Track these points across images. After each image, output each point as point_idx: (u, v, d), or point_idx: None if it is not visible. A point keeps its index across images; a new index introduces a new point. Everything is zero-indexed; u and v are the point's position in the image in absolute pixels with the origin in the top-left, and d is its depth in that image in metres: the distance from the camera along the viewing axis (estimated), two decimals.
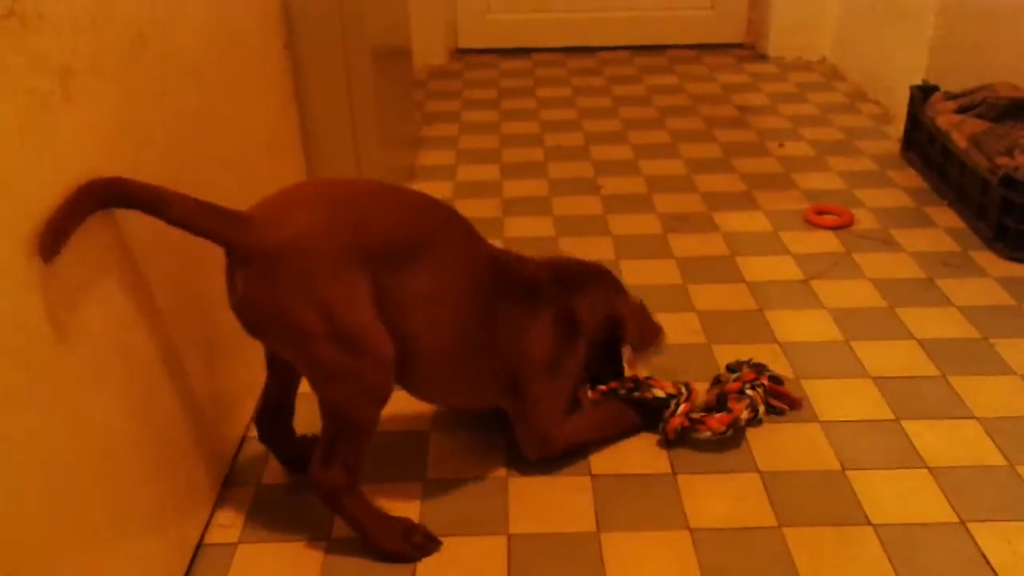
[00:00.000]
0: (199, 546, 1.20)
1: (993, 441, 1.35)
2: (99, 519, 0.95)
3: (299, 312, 1.03)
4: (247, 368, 1.44)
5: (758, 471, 1.31)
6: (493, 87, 2.98)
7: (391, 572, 1.16)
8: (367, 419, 1.13)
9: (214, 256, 1.10)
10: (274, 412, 1.28)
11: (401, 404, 1.46)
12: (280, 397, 1.28)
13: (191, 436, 1.19)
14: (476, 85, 3.01)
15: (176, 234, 1.01)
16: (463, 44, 3.33)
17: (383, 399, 1.13)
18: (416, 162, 2.40)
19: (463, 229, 1.22)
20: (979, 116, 2.16)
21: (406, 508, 1.26)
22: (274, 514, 1.26)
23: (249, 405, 1.43)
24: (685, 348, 1.58)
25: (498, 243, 1.97)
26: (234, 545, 1.21)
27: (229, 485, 1.30)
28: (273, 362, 1.25)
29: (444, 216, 1.20)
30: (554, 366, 1.29)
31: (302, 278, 1.02)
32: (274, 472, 1.33)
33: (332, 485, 1.13)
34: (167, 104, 1.14)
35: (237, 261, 1.05)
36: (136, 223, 1.02)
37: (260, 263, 1.03)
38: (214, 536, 1.22)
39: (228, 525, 1.24)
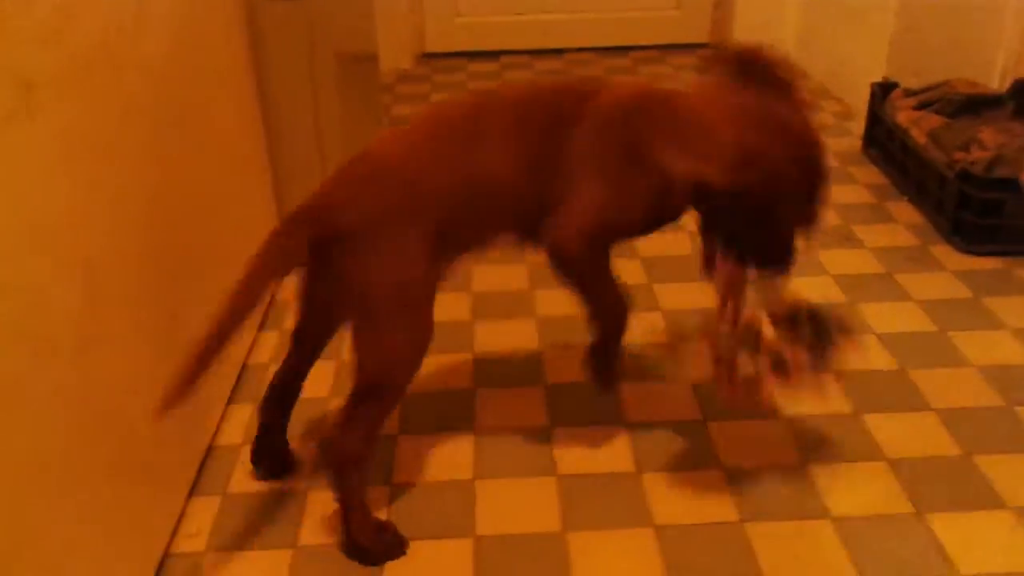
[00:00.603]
0: (165, 556, 1.20)
1: (950, 432, 1.38)
2: (63, 528, 0.95)
3: (367, 286, 1.11)
4: (213, 378, 1.44)
5: (721, 467, 1.33)
6: (460, 90, 2.99)
7: None
8: (398, 387, 1.19)
9: (180, 267, 1.10)
10: (283, 391, 1.30)
11: None
12: (295, 376, 1.30)
13: (156, 445, 1.19)
14: (443, 88, 3.02)
15: (139, 244, 1.01)
16: (430, 48, 3.34)
17: (415, 369, 1.19)
18: None
19: (512, 112, 1.20)
20: (937, 112, 2.20)
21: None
22: (241, 523, 1.26)
23: (215, 414, 1.43)
24: (651, 348, 1.60)
25: None
26: (201, 554, 1.21)
27: (195, 494, 1.31)
28: (301, 340, 1.28)
29: (488, 120, 1.19)
30: (608, 178, 1.18)
31: (368, 257, 1.10)
32: (241, 481, 1.33)
33: (347, 453, 1.15)
34: (131, 116, 1.14)
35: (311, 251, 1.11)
36: (94, 233, 1.02)
37: (332, 250, 1.10)
38: (180, 546, 1.22)
39: (195, 534, 1.24)
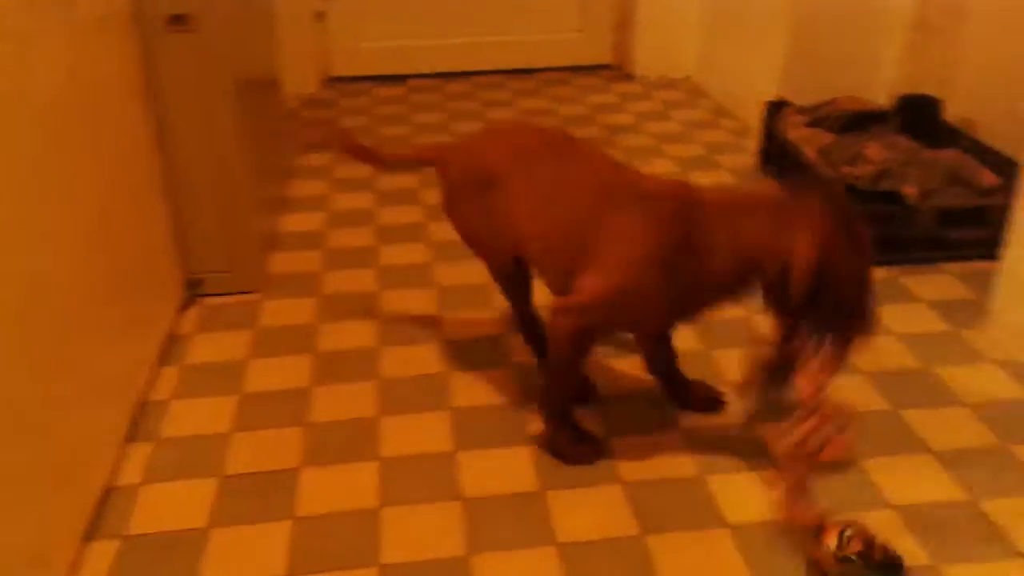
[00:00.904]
0: None
1: None
2: None
3: (452, 218, 1.57)
4: (107, 417, 1.42)
5: (622, 482, 1.36)
6: (367, 114, 2.99)
7: None
8: (497, 279, 1.58)
9: (73, 302, 1.08)
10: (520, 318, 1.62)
11: (266, 440, 1.46)
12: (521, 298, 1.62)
13: (45, 489, 1.16)
14: (350, 113, 3.01)
15: (31, 279, 0.98)
16: (337, 72, 3.33)
17: (502, 278, 1.56)
18: (290, 192, 2.39)
19: (570, 154, 1.42)
20: (827, 129, 2.28)
21: (274, 548, 1.25)
22: (140, 565, 1.24)
23: (109, 453, 1.40)
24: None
25: (370, 272, 1.98)
26: None
27: (93, 538, 1.27)
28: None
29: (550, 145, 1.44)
30: (615, 269, 1.28)
31: (450, 198, 1.56)
32: (142, 522, 1.31)
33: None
34: (19, 154, 1.12)
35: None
36: None
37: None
38: None
39: None
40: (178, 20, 1.64)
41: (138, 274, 1.62)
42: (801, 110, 2.40)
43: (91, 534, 1.28)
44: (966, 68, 2.33)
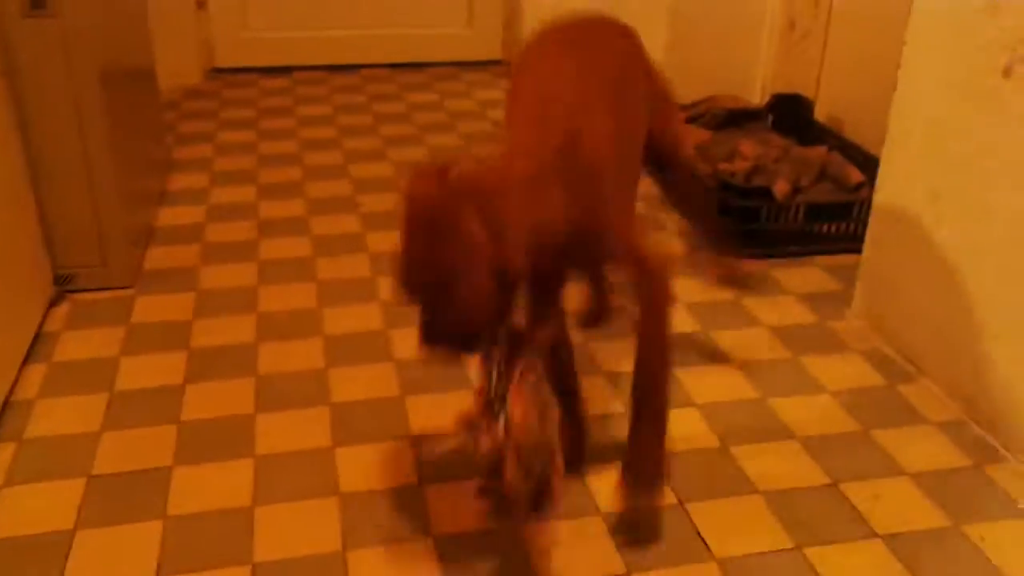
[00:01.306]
0: None
1: (709, 426, 1.48)
2: None
3: None
4: None
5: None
6: (251, 107, 2.93)
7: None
8: None
9: None
10: None
11: (136, 439, 1.42)
12: None
13: None
14: (233, 105, 2.95)
15: None
16: (220, 63, 3.25)
17: None
18: (167, 185, 2.32)
19: None
20: (704, 126, 2.36)
21: (144, 549, 1.22)
22: (1, 572, 1.19)
23: None
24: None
25: (251, 266, 1.95)
26: None
27: None
28: None
29: None
30: None
31: None
32: (2, 526, 1.26)
33: None
34: None
35: None
36: None
37: None
38: None
39: None
40: (37, 4, 1.57)
41: (2, 269, 1.54)
42: (680, 107, 2.47)
43: None
44: (833, 69, 2.43)
